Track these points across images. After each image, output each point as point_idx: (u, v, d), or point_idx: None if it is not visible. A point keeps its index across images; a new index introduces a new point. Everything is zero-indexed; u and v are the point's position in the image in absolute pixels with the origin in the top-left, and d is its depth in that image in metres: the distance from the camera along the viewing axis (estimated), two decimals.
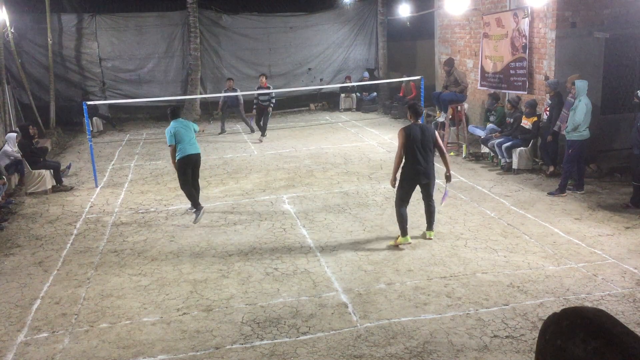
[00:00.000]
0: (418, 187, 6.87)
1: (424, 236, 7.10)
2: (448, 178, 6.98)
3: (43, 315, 5.51)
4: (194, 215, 8.13)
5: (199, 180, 8.66)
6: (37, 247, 7.36)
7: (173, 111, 8.41)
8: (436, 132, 6.88)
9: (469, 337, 4.78)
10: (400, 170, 6.84)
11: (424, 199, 7.00)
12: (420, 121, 6.90)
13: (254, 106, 14.24)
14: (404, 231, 6.84)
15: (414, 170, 6.72)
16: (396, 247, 6.80)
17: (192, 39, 17.22)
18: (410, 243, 6.84)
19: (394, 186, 7.02)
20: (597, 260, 6.20)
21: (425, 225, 7.13)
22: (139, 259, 6.81)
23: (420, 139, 6.64)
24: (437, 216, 7.84)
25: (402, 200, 6.84)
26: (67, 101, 16.58)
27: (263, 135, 14.10)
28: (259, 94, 13.90)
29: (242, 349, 4.74)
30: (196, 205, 8.21)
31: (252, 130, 14.86)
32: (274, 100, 14.23)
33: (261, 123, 14.04)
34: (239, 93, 14.70)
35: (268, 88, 14.03)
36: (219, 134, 14.93)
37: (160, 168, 11.48)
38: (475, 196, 8.72)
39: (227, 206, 8.78)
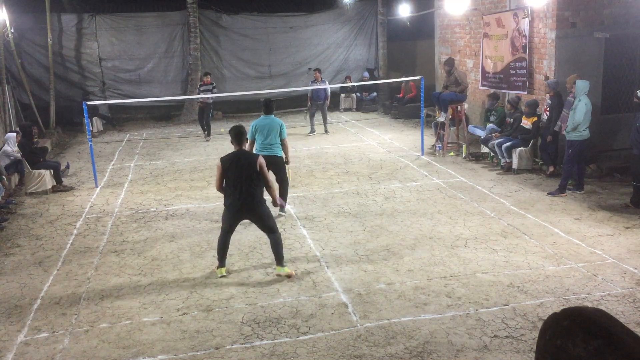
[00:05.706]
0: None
1: (278, 274, 6.08)
2: (274, 204, 6.37)
3: (43, 315, 5.50)
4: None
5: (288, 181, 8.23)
6: (37, 247, 7.36)
7: (265, 104, 8.04)
8: (260, 161, 5.97)
9: (469, 337, 4.78)
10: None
11: (265, 233, 6.21)
12: (243, 147, 6.04)
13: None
14: (220, 261, 6.19)
15: (234, 206, 5.94)
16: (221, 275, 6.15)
17: (192, 39, 17.22)
18: (225, 276, 6.10)
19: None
20: (597, 260, 6.20)
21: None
22: (139, 259, 6.81)
23: (242, 169, 5.84)
24: (439, 216, 7.81)
25: (224, 230, 6.14)
26: (67, 101, 16.57)
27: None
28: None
29: (242, 349, 4.74)
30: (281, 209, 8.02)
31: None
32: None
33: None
34: (327, 86, 14.52)
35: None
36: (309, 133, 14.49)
37: (160, 168, 11.47)
38: (475, 196, 8.72)
39: None
